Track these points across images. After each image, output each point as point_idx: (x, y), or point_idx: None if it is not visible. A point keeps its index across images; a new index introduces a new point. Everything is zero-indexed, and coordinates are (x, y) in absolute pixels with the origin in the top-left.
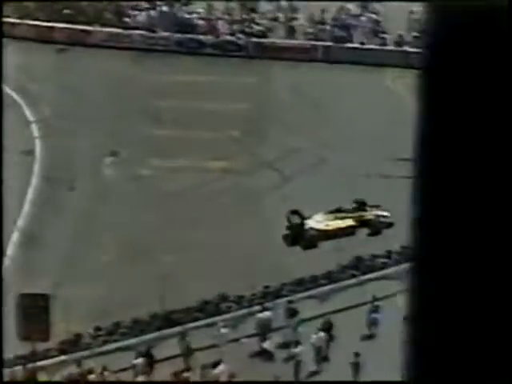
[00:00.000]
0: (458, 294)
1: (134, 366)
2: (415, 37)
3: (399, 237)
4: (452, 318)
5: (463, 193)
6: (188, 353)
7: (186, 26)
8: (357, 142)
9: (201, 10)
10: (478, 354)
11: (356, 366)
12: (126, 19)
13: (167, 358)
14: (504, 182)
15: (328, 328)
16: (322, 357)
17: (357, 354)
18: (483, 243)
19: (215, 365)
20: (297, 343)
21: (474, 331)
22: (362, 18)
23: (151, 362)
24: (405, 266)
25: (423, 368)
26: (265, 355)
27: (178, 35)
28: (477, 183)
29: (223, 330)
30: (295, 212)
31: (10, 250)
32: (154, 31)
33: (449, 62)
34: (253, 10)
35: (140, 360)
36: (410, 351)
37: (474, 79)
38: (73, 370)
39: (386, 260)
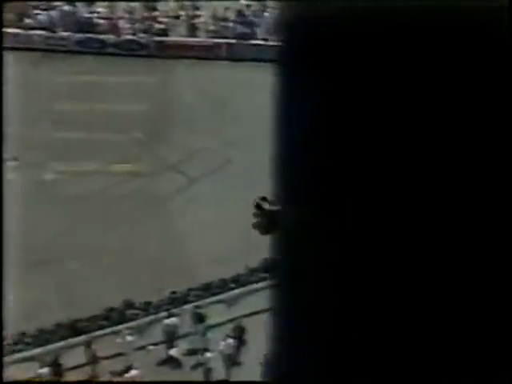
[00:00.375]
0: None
1: (39, 376)
2: None
3: None
4: (313, 316)
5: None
6: (94, 361)
7: (87, 26)
8: (263, 141)
9: (102, 10)
10: (340, 350)
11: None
12: (28, 20)
13: (74, 368)
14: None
15: (240, 333)
16: (232, 362)
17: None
18: (343, 241)
19: (126, 371)
20: (205, 350)
21: (337, 328)
22: (266, 15)
23: (59, 370)
24: None
25: (286, 365)
26: (172, 363)
27: (79, 35)
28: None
29: (129, 338)
30: (264, 198)
31: None
32: (54, 31)
33: (304, 57)
34: (154, 9)
35: (45, 369)
36: (274, 349)
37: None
38: None
39: None
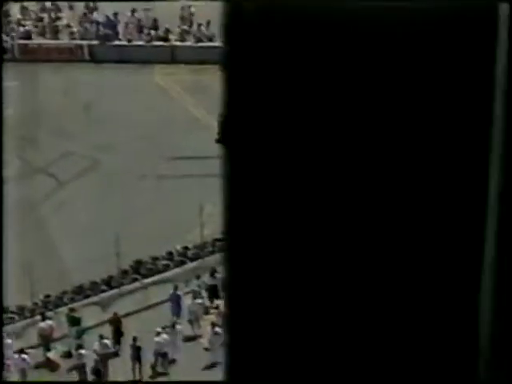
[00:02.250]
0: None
1: None
2: (184, 31)
3: (179, 237)
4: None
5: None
6: None
7: None
8: (130, 143)
9: None
10: (295, 351)
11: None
12: None
13: None
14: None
15: (118, 333)
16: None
17: (134, 339)
18: (294, 236)
19: None
20: (79, 352)
21: (292, 327)
22: (129, 15)
23: None
24: (187, 266)
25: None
26: (50, 365)
27: None
28: (283, 179)
29: (8, 341)
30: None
31: None
32: None
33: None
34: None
35: None
36: (228, 348)
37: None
38: None
39: (167, 262)
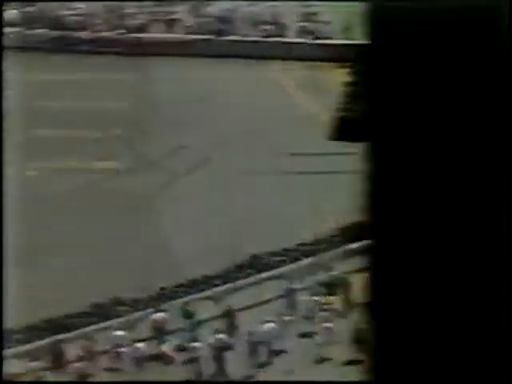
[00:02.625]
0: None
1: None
2: (303, 29)
3: (293, 234)
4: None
5: (411, 185)
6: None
7: (63, 23)
8: (243, 138)
9: (79, 6)
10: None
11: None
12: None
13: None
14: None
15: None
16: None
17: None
18: (436, 232)
19: None
20: (193, 345)
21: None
22: (244, 10)
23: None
24: (301, 263)
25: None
26: (163, 358)
27: (54, 32)
28: (427, 174)
29: (118, 333)
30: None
31: None
32: (29, 28)
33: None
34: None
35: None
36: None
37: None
38: None
39: (282, 258)
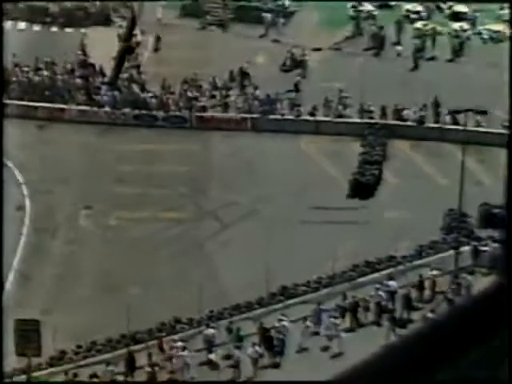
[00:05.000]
0: None
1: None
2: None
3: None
4: None
5: None
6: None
7: (142, 103)
8: (282, 196)
9: (154, 89)
10: None
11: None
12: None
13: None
14: None
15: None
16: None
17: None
18: None
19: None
20: (236, 354)
21: None
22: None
23: (132, 367)
24: (321, 292)
25: None
26: (212, 364)
27: (136, 111)
28: None
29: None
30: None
31: (8, 285)
32: (117, 108)
33: None
34: (199, 86)
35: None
36: None
37: None
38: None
39: (305, 288)
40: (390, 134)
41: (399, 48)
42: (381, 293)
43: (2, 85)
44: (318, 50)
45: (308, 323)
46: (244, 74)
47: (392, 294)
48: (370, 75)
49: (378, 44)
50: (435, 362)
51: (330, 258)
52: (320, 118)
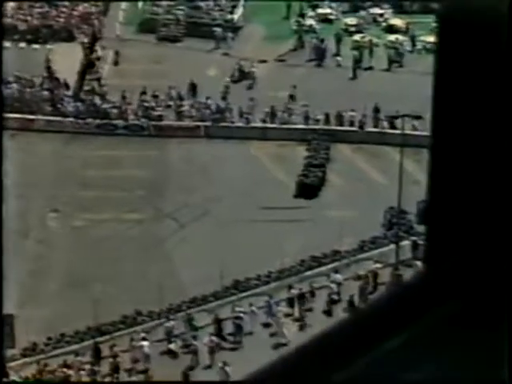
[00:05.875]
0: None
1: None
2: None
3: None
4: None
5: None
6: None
7: (103, 113)
8: (232, 196)
9: (114, 100)
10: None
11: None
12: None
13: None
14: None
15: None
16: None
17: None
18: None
19: None
20: (193, 344)
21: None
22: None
23: (98, 357)
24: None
25: None
26: (171, 353)
27: (98, 120)
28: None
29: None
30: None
31: None
32: (80, 118)
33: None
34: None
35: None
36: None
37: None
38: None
39: (256, 282)
40: (333, 139)
41: (339, 59)
42: (332, 285)
43: (2, 84)
44: (264, 61)
45: (255, 310)
46: (193, 86)
47: (338, 286)
48: (312, 84)
49: (320, 55)
50: (352, 349)
51: (279, 254)
52: (267, 124)
